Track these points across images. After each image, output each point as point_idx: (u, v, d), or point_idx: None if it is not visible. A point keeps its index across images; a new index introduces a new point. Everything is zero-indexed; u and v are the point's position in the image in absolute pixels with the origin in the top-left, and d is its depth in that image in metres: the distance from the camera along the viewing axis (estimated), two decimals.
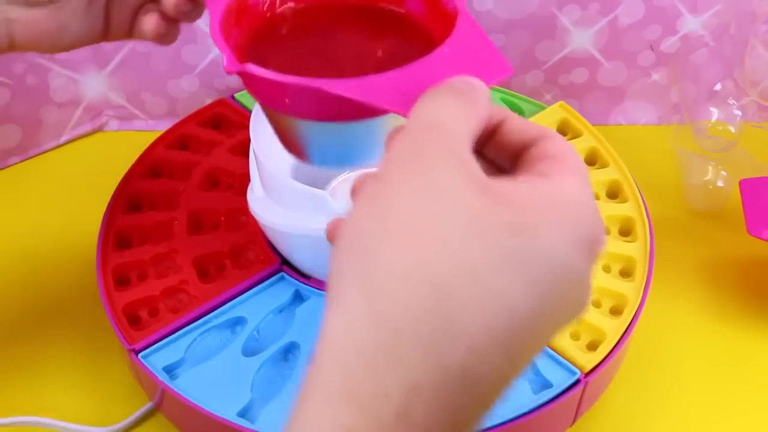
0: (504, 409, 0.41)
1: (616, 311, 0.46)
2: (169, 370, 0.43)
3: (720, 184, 0.57)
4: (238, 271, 0.47)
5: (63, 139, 0.63)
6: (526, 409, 0.41)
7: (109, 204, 0.50)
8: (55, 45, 0.39)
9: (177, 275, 0.47)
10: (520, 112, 0.57)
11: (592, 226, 0.24)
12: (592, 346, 0.44)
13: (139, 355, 0.43)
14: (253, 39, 0.35)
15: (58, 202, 0.58)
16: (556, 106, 0.57)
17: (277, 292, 0.46)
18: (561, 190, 0.24)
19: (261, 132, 0.44)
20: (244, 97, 0.58)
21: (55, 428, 0.45)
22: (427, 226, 0.23)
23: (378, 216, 0.23)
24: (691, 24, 0.60)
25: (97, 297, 0.46)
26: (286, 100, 0.30)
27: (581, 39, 0.61)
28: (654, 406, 0.48)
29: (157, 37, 0.40)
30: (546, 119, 0.56)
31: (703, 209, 0.58)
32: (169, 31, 0.40)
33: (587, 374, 0.43)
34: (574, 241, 0.24)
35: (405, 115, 0.27)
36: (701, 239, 0.56)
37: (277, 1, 0.36)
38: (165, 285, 0.46)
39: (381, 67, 0.31)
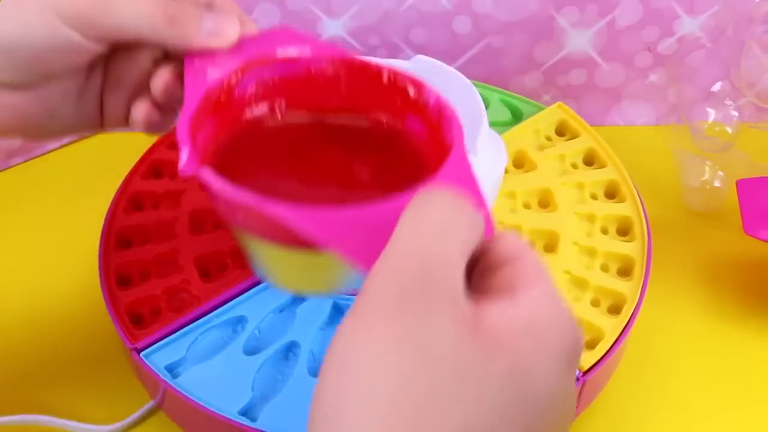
0: None
1: (614, 310, 0.46)
2: (171, 368, 0.43)
3: (717, 184, 0.57)
4: (239, 270, 0.47)
5: (65, 139, 0.63)
6: None
7: (111, 204, 0.50)
8: (43, 132, 0.35)
9: (178, 275, 0.47)
10: (519, 112, 0.57)
11: (573, 339, 0.23)
12: (591, 345, 0.44)
13: (141, 354, 0.43)
14: (232, 134, 0.32)
15: (60, 202, 0.58)
16: (554, 106, 0.57)
17: (278, 291, 0.46)
18: (539, 309, 0.23)
19: None
20: None
21: (57, 426, 0.45)
22: (418, 394, 0.20)
23: (359, 380, 0.21)
24: (689, 26, 0.60)
25: (99, 296, 0.46)
26: (240, 218, 0.27)
27: (579, 40, 0.61)
28: (651, 404, 0.48)
29: (148, 126, 0.36)
30: (544, 120, 0.56)
31: (701, 209, 0.58)
32: (164, 119, 0.36)
33: (585, 372, 0.43)
34: (561, 362, 0.23)
35: (358, 267, 0.24)
36: (698, 239, 0.56)
37: (267, 98, 0.33)
38: (167, 284, 0.46)
39: (365, 189, 0.29)
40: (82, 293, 0.51)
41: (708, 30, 0.60)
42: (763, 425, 0.47)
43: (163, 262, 0.48)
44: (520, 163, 0.54)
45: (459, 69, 0.47)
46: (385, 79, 0.32)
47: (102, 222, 0.49)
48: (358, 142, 0.32)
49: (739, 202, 0.50)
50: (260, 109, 0.33)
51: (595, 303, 0.46)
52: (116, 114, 0.36)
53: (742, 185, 0.50)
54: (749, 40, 0.55)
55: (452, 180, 0.26)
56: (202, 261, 0.48)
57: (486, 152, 0.43)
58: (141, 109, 0.35)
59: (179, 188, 0.51)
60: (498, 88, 0.58)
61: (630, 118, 0.66)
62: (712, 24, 0.60)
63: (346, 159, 0.32)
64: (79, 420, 0.45)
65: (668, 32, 0.60)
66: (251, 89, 0.33)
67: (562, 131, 0.56)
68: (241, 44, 0.34)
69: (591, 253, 0.48)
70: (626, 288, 0.46)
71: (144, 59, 0.35)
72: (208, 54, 0.33)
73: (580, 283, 0.47)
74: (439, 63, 0.47)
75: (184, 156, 0.27)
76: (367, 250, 0.24)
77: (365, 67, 0.32)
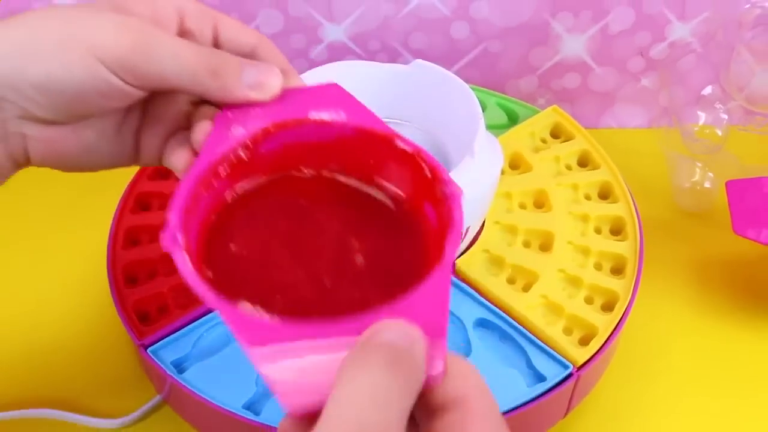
0: (499, 402, 0.41)
1: (607, 307, 0.46)
2: (177, 364, 0.43)
3: (707, 185, 0.57)
4: None
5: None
6: (520, 402, 0.41)
7: (119, 204, 0.50)
8: (78, 166, 0.35)
9: None
10: (515, 115, 0.58)
11: None
12: (585, 341, 0.44)
13: (148, 350, 0.43)
14: (244, 194, 0.31)
15: (69, 203, 0.58)
16: (549, 110, 0.57)
17: None
18: None
19: None
20: None
21: (66, 420, 0.45)
22: None
23: None
24: (680, 31, 0.60)
25: (108, 294, 0.46)
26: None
27: (574, 45, 0.61)
28: (643, 398, 0.48)
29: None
30: (540, 123, 0.56)
31: (691, 209, 0.58)
32: None
33: (579, 368, 0.43)
34: None
35: (274, 393, 0.23)
36: (689, 238, 0.57)
37: (288, 160, 0.31)
38: (173, 282, 0.46)
39: (356, 276, 0.28)
40: (90, 291, 0.51)
41: (699, 35, 0.60)
42: (750, 418, 0.47)
43: (169, 260, 0.47)
44: (516, 164, 0.54)
45: (457, 73, 0.47)
46: (412, 159, 0.30)
47: (110, 222, 0.49)
48: (370, 218, 0.31)
49: (729, 203, 0.50)
50: (278, 172, 0.32)
51: (588, 300, 0.46)
52: (152, 151, 0.35)
53: (731, 186, 0.50)
54: (738, 45, 0.55)
55: (422, 303, 0.25)
56: None
57: (483, 154, 0.44)
58: (181, 158, 0.33)
59: None
60: (495, 92, 0.59)
61: (623, 121, 0.66)
62: (702, 29, 0.60)
63: (351, 236, 0.30)
64: (88, 414, 0.45)
65: (660, 37, 0.61)
66: (274, 150, 0.31)
67: (556, 134, 0.56)
68: (282, 97, 0.32)
69: (585, 252, 0.49)
70: (619, 286, 0.46)
71: (182, 101, 0.34)
72: (245, 106, 0.32)
73: (574, 281, 0.47)
74: (438, 67, 0.47)
75: (169, 226, 0.27)
76: (287, 379, 0.23)
77: (394, 142, 0.30)
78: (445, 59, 0.62)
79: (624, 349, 0.48)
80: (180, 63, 0.31)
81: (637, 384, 0.48)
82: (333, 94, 0.32)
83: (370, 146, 0.31)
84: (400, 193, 0.31)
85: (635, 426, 0.47)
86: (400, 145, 0.30)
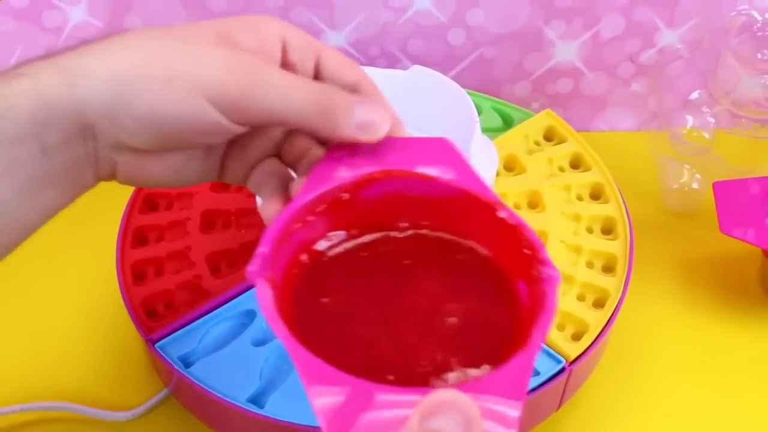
0: None
1: (598, 304, 0.46)
2: (184, 359, 0.43)
3: (695, 186, 0.57)
4: None
5: None
6: None
7: (128, 204, 0.50)
8: (162, 184, 0.33)
9: (191, 270, 0.47)
10: (510, 119, 0.58)
11: None
12: (577, 337, 0.44)
13: (156, 345, 0.43)
14: (338, 245, 0.29)
15: (80, 203, 0.58)
16: (542, 113, 0.57)
17: None
18: None
19: None
20: None
21: (76, 413, 0.45)
22: None
23: None
24: (668, 38, 0.60)
25: (117, 291, 0.46)
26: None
27: (566, 51, 0.61)
28: (633, 391, 0.48)
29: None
30: (533, 126, 0.56)
31: (679, 210, 0.58)
32: None
33: (572, 363, 0.43)
34: None
35: None
36: (677, 237, 0.57)
37: (389, 211, 0.30)
38: (180, 280, 0.46)
39: (440, 344, 0.26)
40: (100, 288, 0.51)
41: (686, 42, 0.60)
42: (736, 409, 0.47)
43: (176, 258, 0.48)
44: (510, 166, 0.54)
45: (454, 78, 0.47)
46: (512, 231, 0.28)
47: (119, 221, 0.49)
48: (463, 281, 0.29)
49: (716, 203, 0.50)
50: (375, 220, 0.30)
51: (581, 297, 0.46)
52: (237, 174, 0.34)
53: (718, 187, 0.50)
54: (725, 52, 0.55)
55: (498, 386, 0.23)
56: (213, 258, 0.48)
57: (479, 156, 0.43)
58: (273, 209, 0.32)
59: (192, 190, 0.51)
60: (490, 96, 0.59)
61: (613, 124, 0.66)
62: (690, 36, 0.60)
63: (444, 297, 0.28)
64: (98, 407, 0.45)
65: (649, 44, 0.61)
66: (375, 197, 0.30)
67: (550, 136, 0.56)
68: (392, 146, 0.31)
69: (577, 250, 0.48)
70: (610, 283, 0.46)
71: (276, 133, 0.33)
72: (352, 147, 0.30)
73: (567, 279, 0.47)
74: (435, 72, 0.47)
75: (257, 257, 0.25)
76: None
77: (497, 212, 0.29)
78: (443, 65, 0.62)
79: (615, 344, 0.48)
80: (291, 103, 0.29)
81: (627, 378, 0.48)
82: (443, 149, 0.31)
83: (472, 210, 0.29)
84: (494, 261, 0.29)
85: (625, 418, 0.47)
86: (503, 215, 0.29)
